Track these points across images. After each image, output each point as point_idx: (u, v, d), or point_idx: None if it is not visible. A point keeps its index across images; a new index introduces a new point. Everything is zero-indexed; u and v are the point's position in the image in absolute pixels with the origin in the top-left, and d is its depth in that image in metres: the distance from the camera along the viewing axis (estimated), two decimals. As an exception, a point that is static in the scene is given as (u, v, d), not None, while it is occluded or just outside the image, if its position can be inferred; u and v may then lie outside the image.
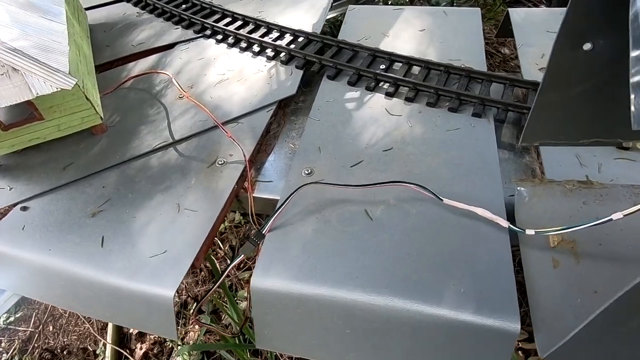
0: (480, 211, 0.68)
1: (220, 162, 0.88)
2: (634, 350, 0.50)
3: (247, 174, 0.86)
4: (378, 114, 0.95)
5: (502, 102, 0.90)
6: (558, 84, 0.53)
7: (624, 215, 0.54)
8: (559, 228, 0.61)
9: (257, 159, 0.94)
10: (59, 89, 0.68)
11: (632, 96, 0.38)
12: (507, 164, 0.85)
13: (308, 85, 1.12)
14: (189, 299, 1.77)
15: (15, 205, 0.83)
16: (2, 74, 0.65)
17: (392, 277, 0.65)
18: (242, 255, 0.74)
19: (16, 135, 0.85)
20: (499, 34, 1.35)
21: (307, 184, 0.78)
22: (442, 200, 0.71)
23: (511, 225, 0.66)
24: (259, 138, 0.93)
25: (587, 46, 0.48)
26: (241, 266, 1.97)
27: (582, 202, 0.72)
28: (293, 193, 0.76)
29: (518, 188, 0.76)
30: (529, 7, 2.68)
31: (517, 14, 1.20)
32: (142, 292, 0.68)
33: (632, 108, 0.38)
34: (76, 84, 0.74)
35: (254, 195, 0.86)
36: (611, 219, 0.55)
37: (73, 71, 0.76)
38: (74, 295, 0.74)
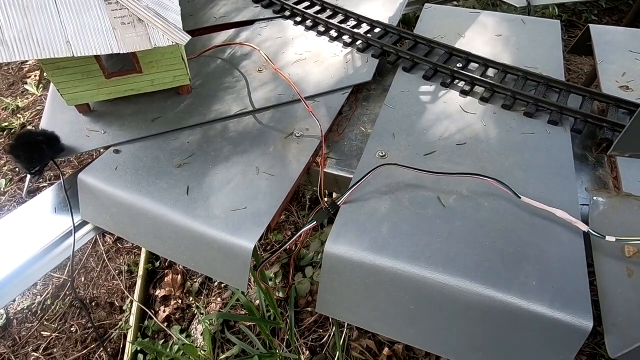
0: (559, 213, 0.69)
1: (297, 134, 0.92)
2: None
3: (322, 148, 0.90)
4: (452, 109, 0.97)
5: (581, 112, 0.90)
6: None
7: None
8: (642, 237, 0.62)
9: (328, 137, 0.97)
10: (174, 43, 0.74)
11: None
12: (580, 174, 0.86)
13: (380, 74, 1.15)
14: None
15: (107, 148, 0.90)
16: (129, 23, 0.71)
17: (464, 261, 0.67)
18: (315, 222, 0.78)
19: (116, 84, 0.92)
20: (573, 50, 1.34)
21: (386, 164, 0.81)
22: (519, 197, 0.73)
23: (590, 230, 0.67)
24: (333, 117, 0.97)
25: None
26: (268, 247, 2.03)
27: (660, 219, 0.72)
28: (371, 171, 0.79)
29: (594, 197, 0.76)
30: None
31: (598, 31, 1.19)
32: (222, 241, 0.73)
33: None
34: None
35: (324, 170, 0.90)
36: None
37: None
38: (156, 236, 0.79)
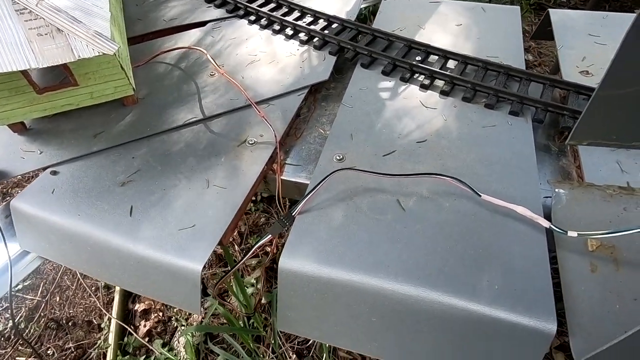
0: (520, 209, 0.66)
1: (250, 142, 0.87)
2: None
3: (277, 155, 0.85)
4: (412, 105, 0.94)
5: (541, 101, 0.88)
6: (622, 79, 0.51)
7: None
8: (604, 232, 0.60)
9: (286, 141, 0.93)
10: (100, 53, 0.68)
11: None
12: (543, 165, 0.83)
13: (339, 72, 1.11)
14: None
15: (45, 169, 0.83)
16: (46, 34, 0.64)
17: (424, 268, 0.64)
18: (270, 236, 0.73)
19: (50, 99, 0.85)
20: (536, 36, 1.32)
21: (341, 169, 0.77)
22: (480, 195, 0.70)
23: (552, 226, 0.64)
24: (289, 121, 0.92)
25: (661, 41, 0.46)
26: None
27: (622, 208, 0.70)
28: (326, 177, 0.75)
29: (556, 190, 0.74)
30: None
31: (557, 16, 1.17)
32: (169, 264, 0.68)
33: None
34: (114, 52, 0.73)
35: (281, 177, 0.86)
36: (663, 225, 0.53)
37: (111, 38, 0.75)
38: (100, 262, 0.73)
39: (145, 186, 0.79)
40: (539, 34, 1.30)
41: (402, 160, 0.81)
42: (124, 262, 0.71)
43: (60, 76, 0.88)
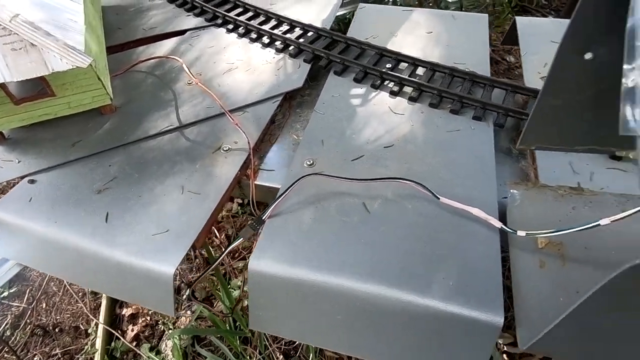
0: (475, 211, 0.70)
1: (225, 149, 0.90)
2: (609, 342, 0.53)
3: (251, 161, 0.89)
4: (381, 111, 0.98)
5: (502, 107, 0.92)
6: (558, 90, 0.56)
7: (611, 222, 0.57)
8: (549, 231, 0.64)
9: (260, 147, 0.96)
10: (74, 67, 0.70)
11: (621, 104, 0.41)
12: (504, 167, 0.88)
13: (314, 79, 1.15)
14: (182, 284, 1.80)
15: (22, 178, 0.85)
16: (20, 49, 0.67)
17: (387, 268, 0.68)
18: (241, 239, 0.76)
19: (27, 109, 0.87)
20: (505, 42, 1.37)
21: (309, 174, 0.80)
22: (439, 198, 0.74)
23: (503, 226, 0.68)
24: (263, 128, 0.96)
25: (588, 55, 0.50)
26: (236, 255, 2.00)
27: (571, 208, 0.74)
28: (295, 182, 0.79)
29: (511, 191, 0.78)
30: (536, 16, 2.70)
31: (523, 23, 1.22)
32: (144, 268, 0.71)
33: (620, 114, 0.41)
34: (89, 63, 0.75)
35: (255, 182, 0.89)
36: (599, 224, 0.57)
37: (87, 50, 0.78)
38: (78, 268, 0.76)
39: (122, 193, 0.81)
40: (509, 39, 1.35)
41: (370, 165, 0.85)
42: (101, 267, 0.73)
43: (38, 86, 0.90)
